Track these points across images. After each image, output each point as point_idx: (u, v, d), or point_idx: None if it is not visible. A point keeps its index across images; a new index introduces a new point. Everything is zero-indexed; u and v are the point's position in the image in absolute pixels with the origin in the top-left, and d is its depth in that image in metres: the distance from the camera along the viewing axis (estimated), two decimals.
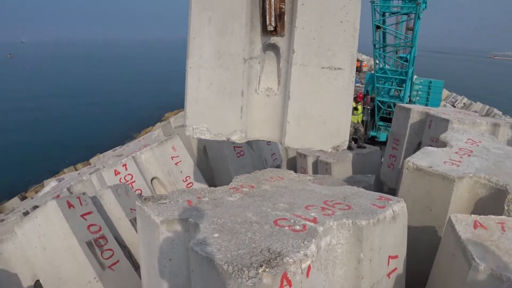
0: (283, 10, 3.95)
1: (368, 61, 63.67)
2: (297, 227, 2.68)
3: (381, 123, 18.99)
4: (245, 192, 3.56)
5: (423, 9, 15.87)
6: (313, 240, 2.49)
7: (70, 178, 9.17)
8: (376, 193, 3.64)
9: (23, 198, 18.27)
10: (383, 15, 17.01)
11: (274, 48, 4.26)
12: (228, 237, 2.51)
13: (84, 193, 4.97)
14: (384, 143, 17.24)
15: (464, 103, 35.23)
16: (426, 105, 17.73)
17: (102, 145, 26.10)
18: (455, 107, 32.46)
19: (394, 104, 17.94)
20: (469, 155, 5.06)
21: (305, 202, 3.24)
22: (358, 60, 58.44)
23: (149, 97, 49.19)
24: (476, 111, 26.36)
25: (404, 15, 17.44)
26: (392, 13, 17.27)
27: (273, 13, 3.92)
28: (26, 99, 47.38)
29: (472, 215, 3.44)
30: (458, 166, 4.60)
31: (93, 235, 4.55)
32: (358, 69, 54.41)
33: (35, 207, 6.73)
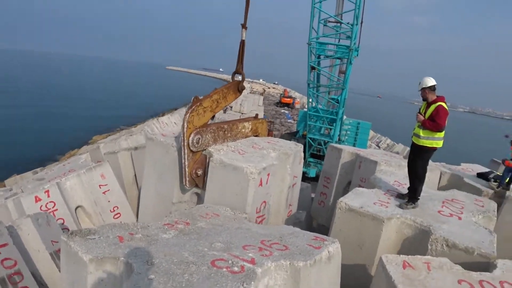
0: (199, 174, 5.08)
1: (300, 99, 66.36)
2: (235, 269, 2.60)
3: (311, 159, 19.54)
4: (180, 229, 3.42)
5: (355, 56, 16.97)
6: (252, 283, 2.43)
7: None
8: (311, 233, 3.68)
9: None
10: (318, 57, 17.86)
11: (199, 194, 5.37)
12: (164, 279, 2.36)
13: None
14: (313, 179, 17.71)
15: (387, 144, 37.60)
16: (354, 144, 18.63)
17: (19, 165, 23.74)
18: (379, 147, 34.54)
19: (324, 142, 18.78)
20: (396, 196, 5.34)
21: (242, 242, 3.18)
22: (291, 97, 60.76)
23: (75, 118, 45.63)
24: (398, 152, 28.23)
25: (337, 59, 18.48)
26: (327, 56, 18.24)
27: (187, 178, 4.95)
28: None
29: (401, 256, 3.58)
30: (387, 207, 4.83)
31: (7, 270, 4.06)
32: (291, 106, 56.53)
33: None
